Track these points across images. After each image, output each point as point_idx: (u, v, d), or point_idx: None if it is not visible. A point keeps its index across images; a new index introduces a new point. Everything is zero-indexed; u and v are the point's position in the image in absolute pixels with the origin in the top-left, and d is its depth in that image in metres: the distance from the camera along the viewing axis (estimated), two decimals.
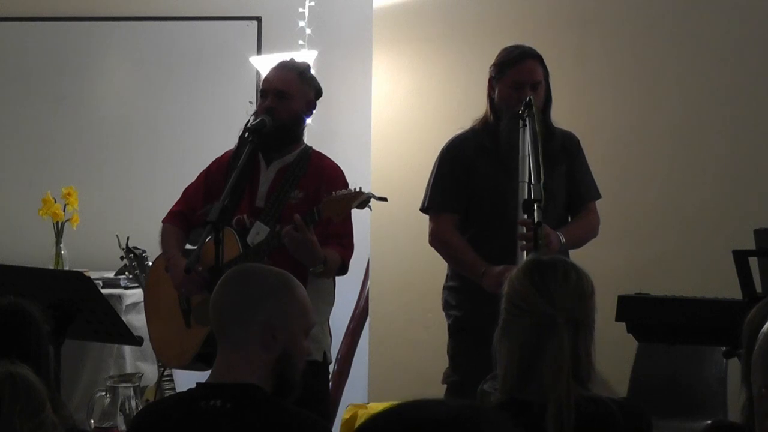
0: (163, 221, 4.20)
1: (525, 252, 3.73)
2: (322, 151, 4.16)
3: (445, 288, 4.20)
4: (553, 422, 2.39)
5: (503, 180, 3.96)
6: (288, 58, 4.27)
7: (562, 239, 3.91)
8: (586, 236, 4.20)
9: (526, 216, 3.67)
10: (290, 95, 4.03)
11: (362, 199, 3.73)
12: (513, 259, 3.72)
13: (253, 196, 4.04)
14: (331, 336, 4.15)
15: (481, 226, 4.06)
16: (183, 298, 4.06)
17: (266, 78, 4.12)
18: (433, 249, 4.20)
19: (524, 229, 3.72)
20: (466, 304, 4.06)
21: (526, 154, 3.80)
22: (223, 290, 2.65)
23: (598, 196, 4.26)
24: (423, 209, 4.22)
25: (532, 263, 2.58)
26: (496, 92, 4.09)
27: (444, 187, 4.15)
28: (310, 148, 4.14)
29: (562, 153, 4.13)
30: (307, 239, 3.77)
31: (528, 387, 2.46)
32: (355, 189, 3.77)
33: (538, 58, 4.10)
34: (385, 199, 3.80)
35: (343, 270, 4.01)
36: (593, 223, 4.21)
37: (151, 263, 4.90)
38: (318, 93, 4.11)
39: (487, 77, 4.17)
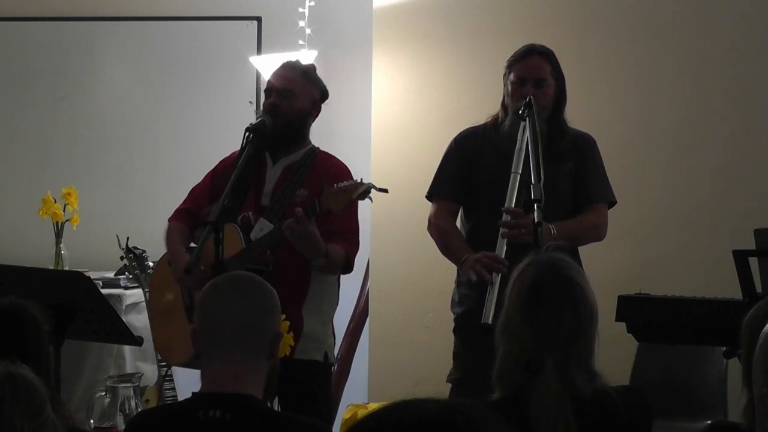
0: (169, 219, 4.20)
1: (505, 239, 3.77)
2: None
3: (454, 283, 4.20)
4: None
5: (504, 174, 3.96)
6: (293, 59, 4.27)
7: (554, 231, 3.86)
8: (582, 233, 4.10)
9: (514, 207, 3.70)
10: (293, 93, 4.03)
11: (362, 190, 3.70)
12: (514, 251, 3.70)
13: (258, 194, 4.04)
14: (334, 336, 4.14)
15: (482, 218, 4.07)
16: (186, 294, 4.06)
17: (270, 77, 4.13)
18: (433, 249, 4.20)
19: (509, 217, 3.76)
20: (468, 301, 4.06)
21: (523, 147, 3.82)
22: (224, 300, 2.59)
23: (608, 200, 4.17)
24: (427, 197, 4.24)
25: (533, 290, 2.52)
26: (505, 88, 4.09)
27: (443, 175, 4.19)
28: (317, 148, 4.14)
29: (572, 152, 4.12)
30: (307, 231, 3.76)
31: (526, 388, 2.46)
32: (355, 180, 3.77)
33: (546, 56, 4.09)
34: (385, 191, 3.78)
35: (348, 267, 4.00)
36: (595, 222, 4.11)
37: (151, 263, 4.90)
38: (324, 94, 4.11)
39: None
